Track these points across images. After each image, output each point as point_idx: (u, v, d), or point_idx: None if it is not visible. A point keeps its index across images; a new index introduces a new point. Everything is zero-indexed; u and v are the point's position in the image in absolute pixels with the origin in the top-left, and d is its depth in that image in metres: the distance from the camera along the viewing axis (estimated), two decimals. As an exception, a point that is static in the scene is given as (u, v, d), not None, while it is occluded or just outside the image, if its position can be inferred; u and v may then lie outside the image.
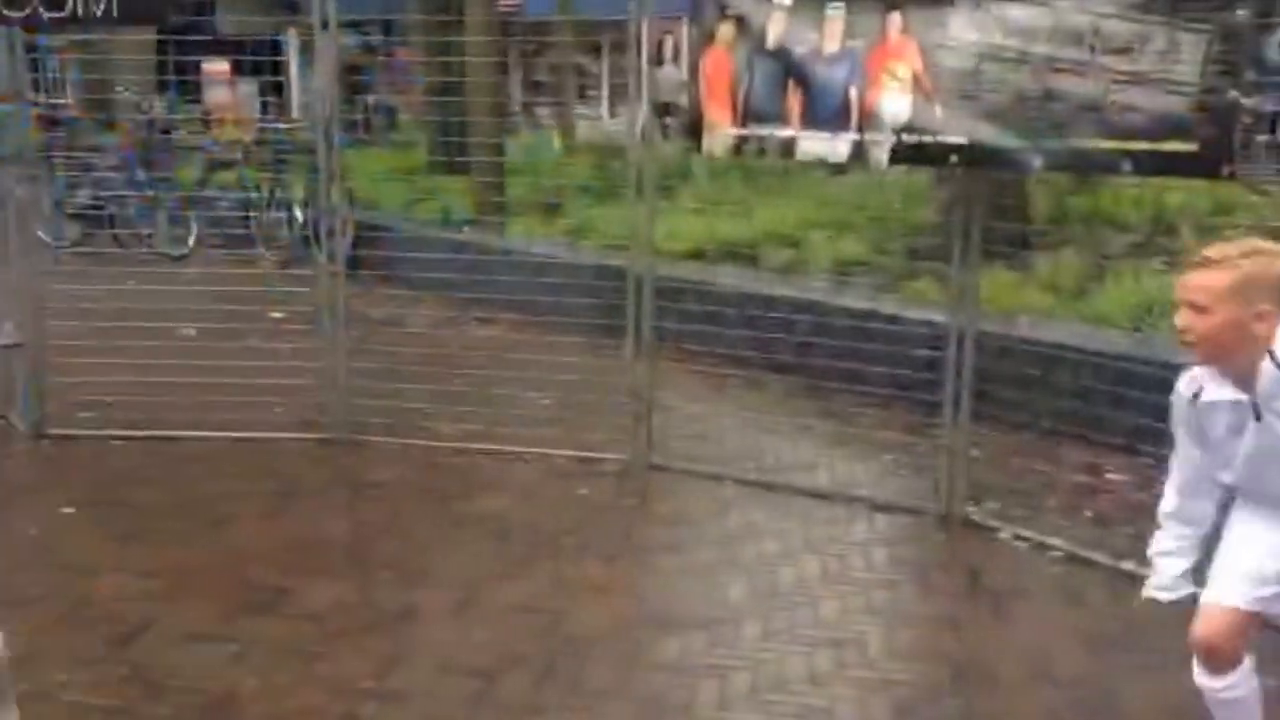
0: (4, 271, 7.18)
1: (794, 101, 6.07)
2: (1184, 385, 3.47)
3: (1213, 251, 3.28)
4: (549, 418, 7.20)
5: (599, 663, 4.49)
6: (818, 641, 4.66)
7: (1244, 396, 3.29)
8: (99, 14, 6.61)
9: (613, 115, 19.35)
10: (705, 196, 10.71)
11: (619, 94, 20.13)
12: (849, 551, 5.54)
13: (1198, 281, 3.26)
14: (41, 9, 6.57)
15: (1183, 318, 3.28)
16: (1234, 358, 3.27)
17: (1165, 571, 3.58)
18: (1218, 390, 3.35)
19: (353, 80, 14.92)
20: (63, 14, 6.59)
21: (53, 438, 7.01)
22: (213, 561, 5.36)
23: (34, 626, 4.71)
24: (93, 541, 5.58)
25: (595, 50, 19.71)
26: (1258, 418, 3.28)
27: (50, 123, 13.44)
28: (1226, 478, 3.46)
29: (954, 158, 5.44)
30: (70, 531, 5.72)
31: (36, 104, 10.20)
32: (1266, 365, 3.23)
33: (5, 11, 6.57)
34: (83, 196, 12.37)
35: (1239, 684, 3.48)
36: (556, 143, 13.39)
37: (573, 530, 5.76)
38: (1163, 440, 3.65)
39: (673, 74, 15.73)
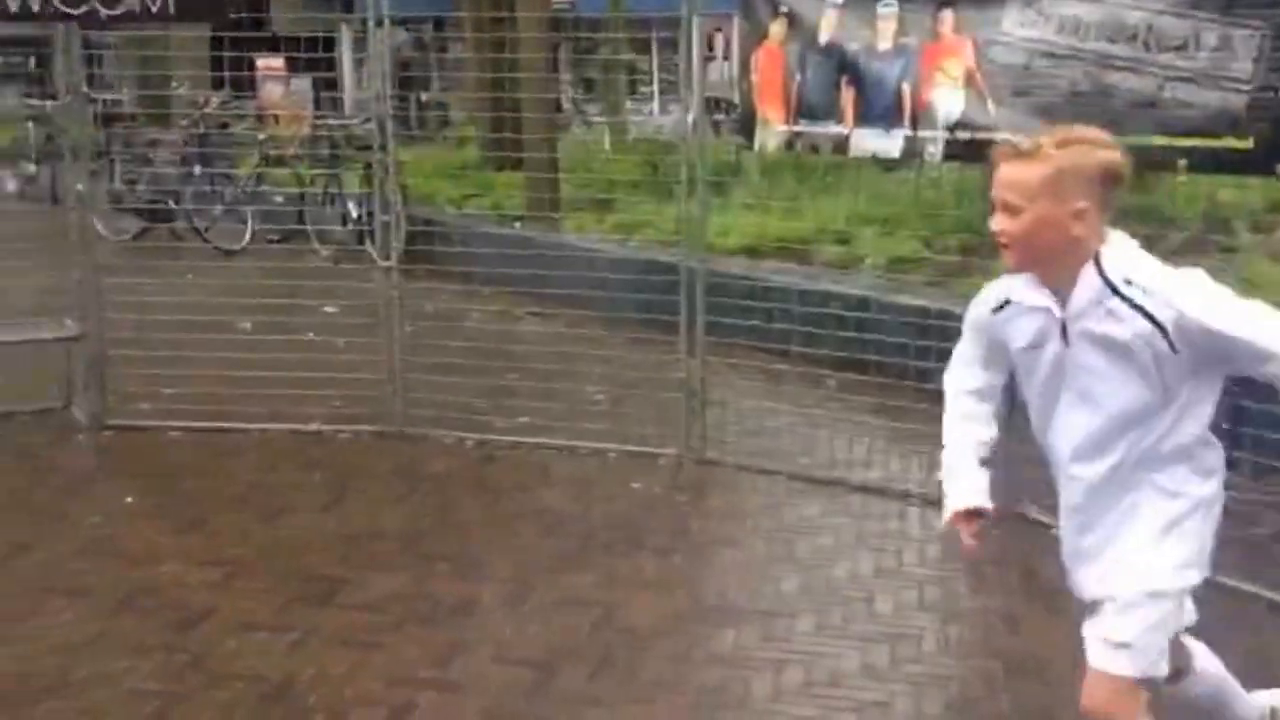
0: (65, 265, 7.31)
1: (847, 98, 6.09)
2: (990, 293, 3.09)
3: (1026, 142, 2.86)
4: (602, 412, 7.26)
5: (654, 656, 4.54)
6: (872, 636, 4.69)
7: (1057, 309, 2.89)
8: (155, 10, 6.72)
9: (663, 111, 19.38)
10: (757, 192, 10.74)
11: (669, 90, 20.17)
12: (903, 547, 5.56)
13: (1008, 177, 2.82)
14: (100, 6, 6.67)
15: (996, 220, 2.86)
16: (1051, 264, 2.85)
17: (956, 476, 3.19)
18: (1030, 295, 2.94)
19: (405, 76, 15.06)
20: (120, 11, 6.70)
21: (113, 429, 7.12)
22: (271, 552, 5.45)
23: (95, 614, 4.82)
24: (153, 531, 5.68)
25: (646, 47, 19.77)
26: (1065, 341, 2.89)
27: (108, 118, 13.62)
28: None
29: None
30: (131, 521, 5.83)
31: (93, 99, 10.34)
32: (1088, 272, 2.82)
33: (64, 8, 6.69)
34: (140, 191, 12.55)
35: (1194, 682, 3.26)
36: (607, 140, 13.45)
37: (626, 524, 5.81)
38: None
39: (723, 70, 15.76)
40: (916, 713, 4.18)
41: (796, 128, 6.28)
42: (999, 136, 5.39)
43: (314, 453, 6.77)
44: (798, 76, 6.23)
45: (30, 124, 16.94)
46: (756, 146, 6.47)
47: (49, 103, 16.42)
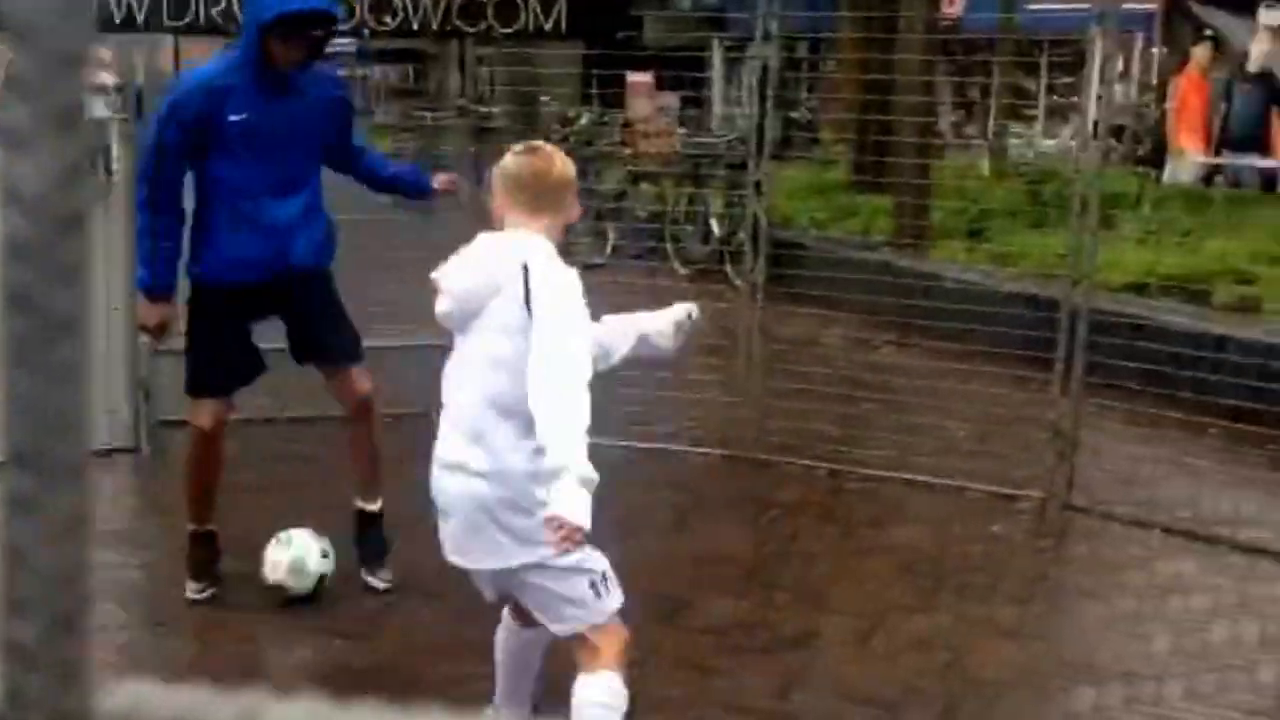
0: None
1: (1277, 131, 5.86)
2: None
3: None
4: (963, 449, 7.20)
5: (1004, 707, 4.50)
6: (1254, 709, 4.51)
7: None
8: (548, 28, 7.12)
9: (1049, 136, 18.98)
10: (1148, 225, 10.41)
11: (1055, 114, 19.73)
12: (1296, 615, 5.31)
13: None
14: (495, 23, 7.13)
15: None
16: None
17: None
18: None
19: (778, 94, 15.24)
20: (514, 28, 7.14)
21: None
22: (617, 570, 5.64)
23: (448, 617, 5.01)
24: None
25: (1032, 67, 19.42)
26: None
27: (480, 131, 14.40)
28: None
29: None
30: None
31: (467, 112, 10.98)
32: None
33: (462, 25, 7.18)
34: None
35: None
36: (986, 165, 13.30)
37: (982, 567, 5.76)
38: None
39: (1121, 94, 15.33)
40: (1297, 796, 4.00)
41: (1218, 159, 6.07)
42: None
43: (663, 473, 6.99)
44: (1223, 106, 6.02)
45: (407, 135, 18.07)
46: (1167, 177, 6.29)
47: (430, 114, 17.52)
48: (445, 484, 3.63)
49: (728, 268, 10.20)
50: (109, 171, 23.28)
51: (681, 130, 13.78)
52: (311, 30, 5.00)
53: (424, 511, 3.83)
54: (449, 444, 3.62)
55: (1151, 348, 7.29)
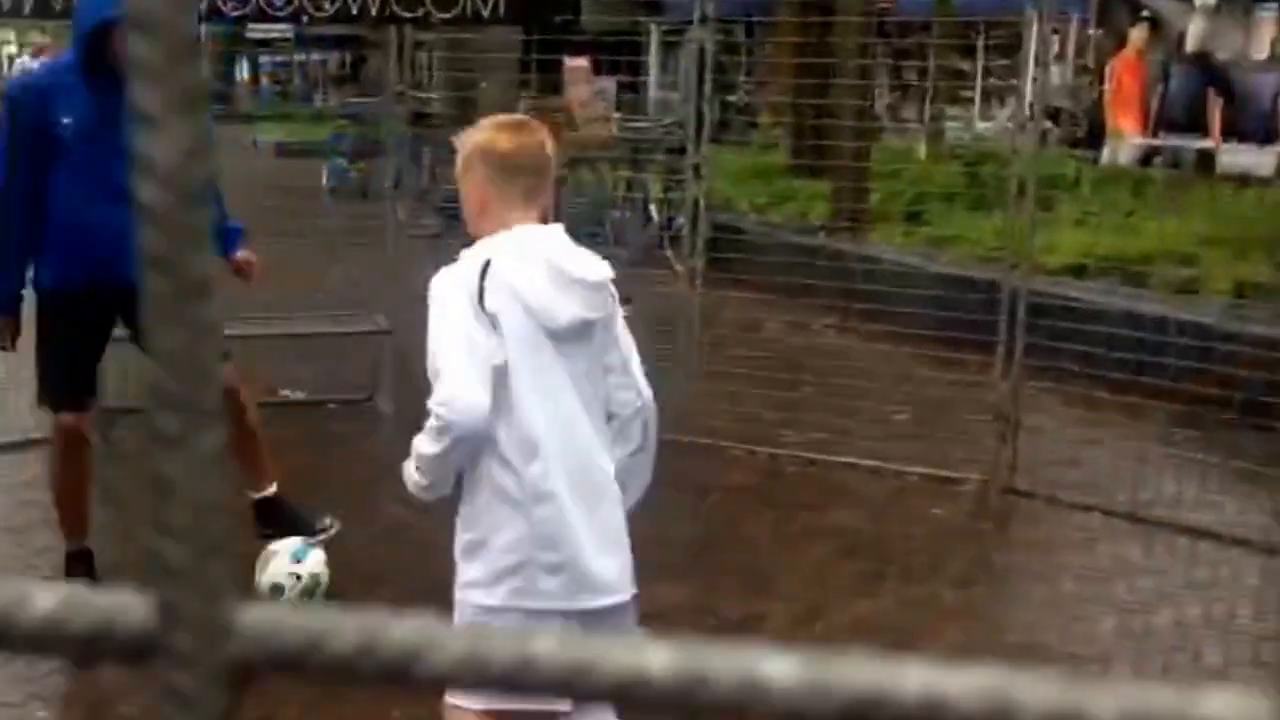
0: (374, 260, 7.67)
1: (1214, 111, 5.83)
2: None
3: None
4: (902, 433, 7.16)
5: (949, 690, 4.44)
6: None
7: None
8: (486, 14, 7.01)
9: (984, 119, 19.02)
10: (1087, 207, 10.42)
11: (991, 96, 19.77)
12: (1236, 597, 5.28)
13: None
14: (433, 9, 7.00)
15: None
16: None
17: None
18: None
19: (715, 78, 15.18)
20: (452, 14, 7.02)
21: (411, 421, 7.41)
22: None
23: (395, 602, 4.99)
24: (452, 524, 5.87)
25: (969, 50, 19.44)
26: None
27: (416, 117, 14.25)
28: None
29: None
30: (432, 512, 6.02)
31: (403, 98, 10.84)
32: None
33: (400, 12, 7.05)
34: (447, 189, 13.06)
35: None
36: (922, 148, 13.30)
37: (925, 550, 5.72)
38: None
39: (1060, 75, 15.36)
40: (1243, 777, 3.96)
41: (1156, 141, 6.05)
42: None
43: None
44: (1160, 87, 6.00)
45: (345, 122, 17.89)
46: (1105, 159, 6.27)
47: (367, 100, 17.36)
48: None
49: (668, 252, 10.12)
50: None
51: (618, 115, 13.68)
52: None
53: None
54: None
55: (1090, 330, 7.27)
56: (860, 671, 0.50)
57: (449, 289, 3.06)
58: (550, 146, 3.23)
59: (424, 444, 3.10)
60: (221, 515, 0.53)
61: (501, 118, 3.35)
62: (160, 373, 0.52)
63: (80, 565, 5.05)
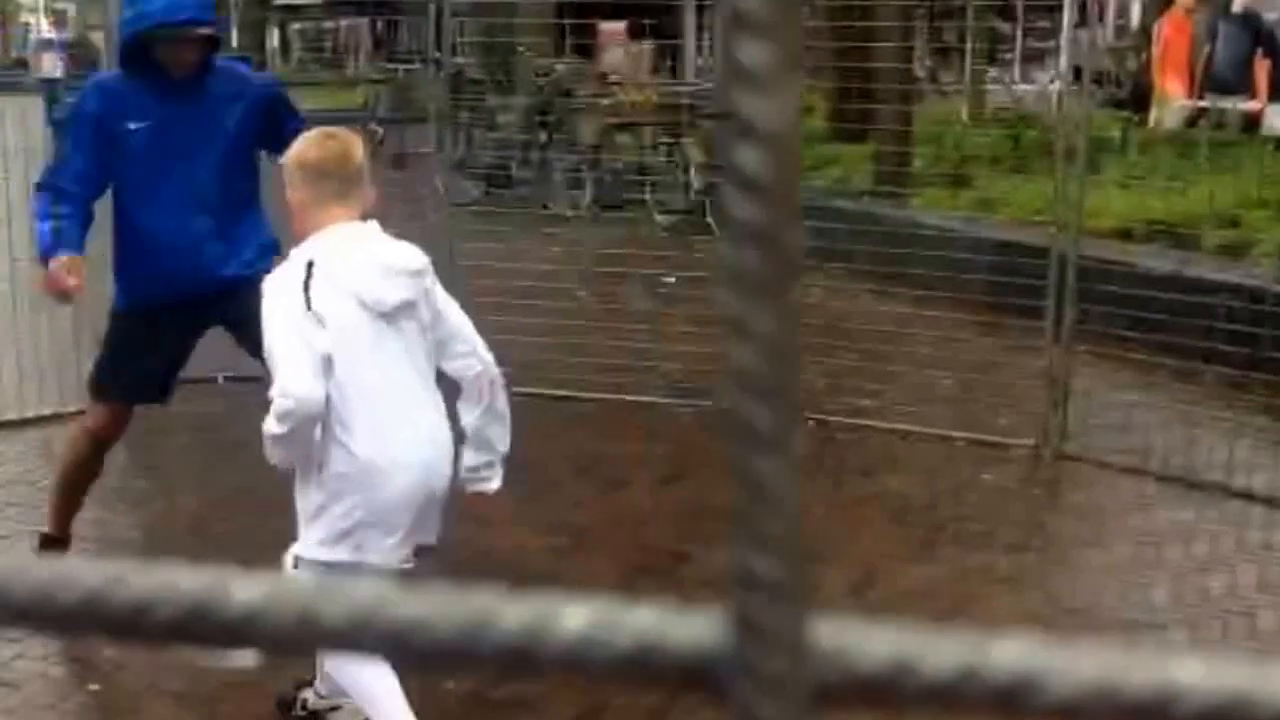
0: (411, 229, 7.66)
1: (1261, 72, 5.79)
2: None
3: None
4: (951, 398, 7.14)
5: (1007, 657, 4.45)
6: (1256, 654, 4.46)
7: None
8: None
9: (1025, 81, 18.88)
10: (1132, 170, 10.34)
11: (1031, 59, 19.59)
12: (1292, 560, 5.28)
13: None
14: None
15: None
16: None
17: None
18: None
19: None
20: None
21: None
22: (611, 522, 5.60)
23: (438, 572, 5.04)
24: (495, 495, 5.89)
25: (1009, 11, 19.27)
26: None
27: (454, 83, 14.23)
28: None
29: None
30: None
31: (440, 65, 10.84)
32: None
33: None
34: (485, 156, 13.08)
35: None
36: (964, 111, 13.21)
37: (976, 516, 5.72)
38: None
39: (1099, 36, 15.22)
40: (1305, 742, 3.96)
41: (1202, 103, 6.01)
42: None
43: (654, 426, 6.91)
44: (1206, 47, 5.94)
45: (379, 87, 17.88)
46: (1152, 121, 6.23)
47: (403, 67, 17.34)
48: None
49: (709, 218, 10.11)
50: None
51: (657, 80, 13.65)
52: (194, 31, 4.68)
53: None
54: None
55: (1138, 293, 7.23)
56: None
57: (277, 296, 3.46)
58: (359, 152, 3.69)
59: (270, 426, 3.43)
60: (801, 524, 0.49)
61: (313, 132, 3.81)
62: (751, 361, 0.47)
63: (55, 548, 4.96)
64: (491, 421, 3.79)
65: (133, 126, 4.62)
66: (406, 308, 3.57)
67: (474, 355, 3.74)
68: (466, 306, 7.40)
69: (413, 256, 3.64)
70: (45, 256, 4.63)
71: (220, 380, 7.12)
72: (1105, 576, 5.16)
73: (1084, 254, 6.59)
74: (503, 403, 3.81)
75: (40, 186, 4.77)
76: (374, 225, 3.65)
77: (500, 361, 7.36)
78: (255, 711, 4.07)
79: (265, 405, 3.41)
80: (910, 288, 8.71)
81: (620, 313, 7.34)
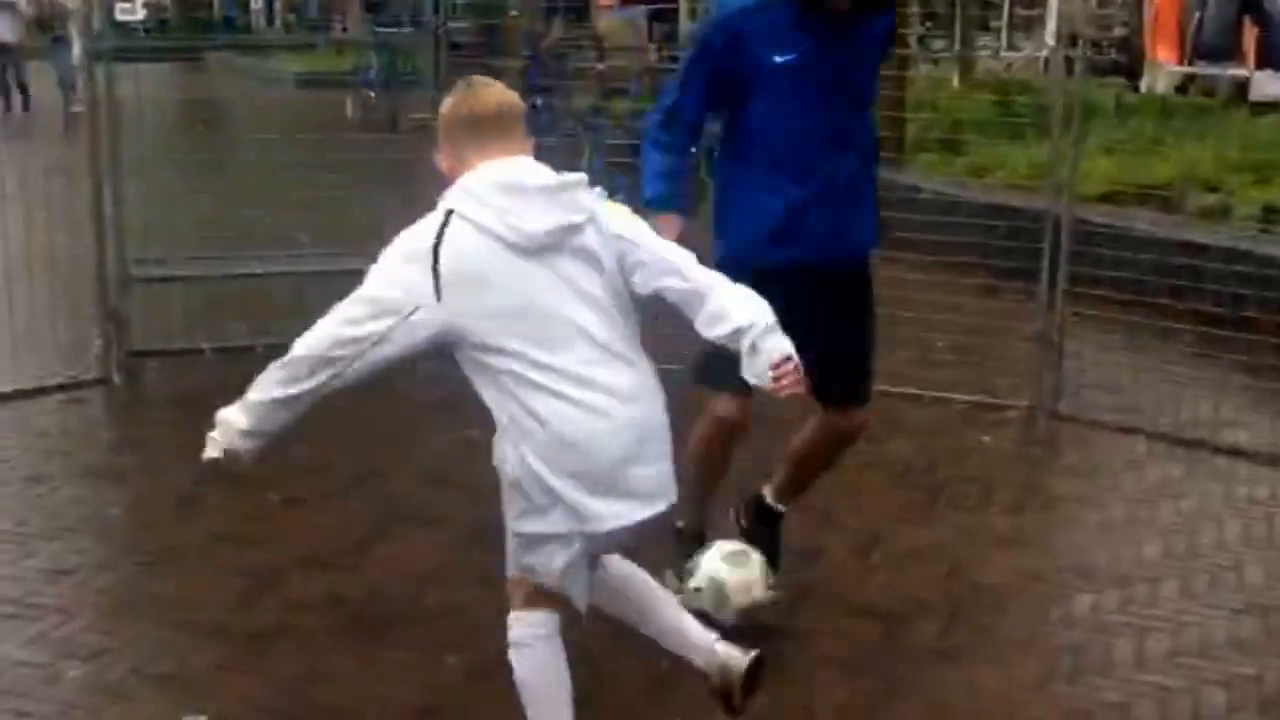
0: (410, 195, 7.69)
1: (1250, 39, 5.89)
2: None
3: None
4: (948, 361, 7.29)
5: (1008, 613, 4.62)
6: (1241, 607, 4.65)
7: None
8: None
9: (1011, 47, 18.94)
10: (1115, 135, 10.48)
11: (1020, 25, 19.63)
12: (1274, 514, 5.46)
13: None
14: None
15: None
16: None
17: None
18: None
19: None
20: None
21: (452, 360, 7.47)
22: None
23: (444, 544, 5.09)
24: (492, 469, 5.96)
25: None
26: None
27: (450, 46, 14.26)
28: None
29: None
30: (475, 454, 6.13)
31: (435, 27, 10.90)
32: None
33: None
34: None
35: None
36: (956, 77, 13.29)
37: (975, 478, 5.88)
38: None
39: (1090, 2, 15.25)
40: (1295, 690, 4.15)
41: (1192, 69, 6.13)
42: None
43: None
44: (1197, 14, 6.04)
45: (372, 52, 17.87)
46: (1145, 87, 6.36)
47: (394, 31, 17.33)
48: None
49: (706, 178, 10.19)
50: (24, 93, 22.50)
51: (652, 44, 13.71)
52: None
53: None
54: None
55: (1130, 256, 7.39)
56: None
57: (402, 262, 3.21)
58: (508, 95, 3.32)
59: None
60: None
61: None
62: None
63: (692, 541, 4.50)
64: (725, 308, 3.29)
65: (778, 60, 4.03)
66: (564, 234, 3.27)
67: (675, 274, 3.32)
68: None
69: (550, 174, 3.30)
70: (654, 203, 4.17)
71: (207, 352, 7.21)
72: (1099, 534, 5.33)
73: (1077, 218, 6.74)
74: (727, 285, 3.35)
75: (654, 143, 4.22)
76: (518, 159, 3.32)
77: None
78: (244, 693, 4.05)
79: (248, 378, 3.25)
80: (906, 251, 8.83)
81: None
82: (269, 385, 3.23)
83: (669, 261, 3.28)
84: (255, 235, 8.62)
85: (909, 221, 8.17)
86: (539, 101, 13.04)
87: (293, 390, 3.21)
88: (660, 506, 3.29)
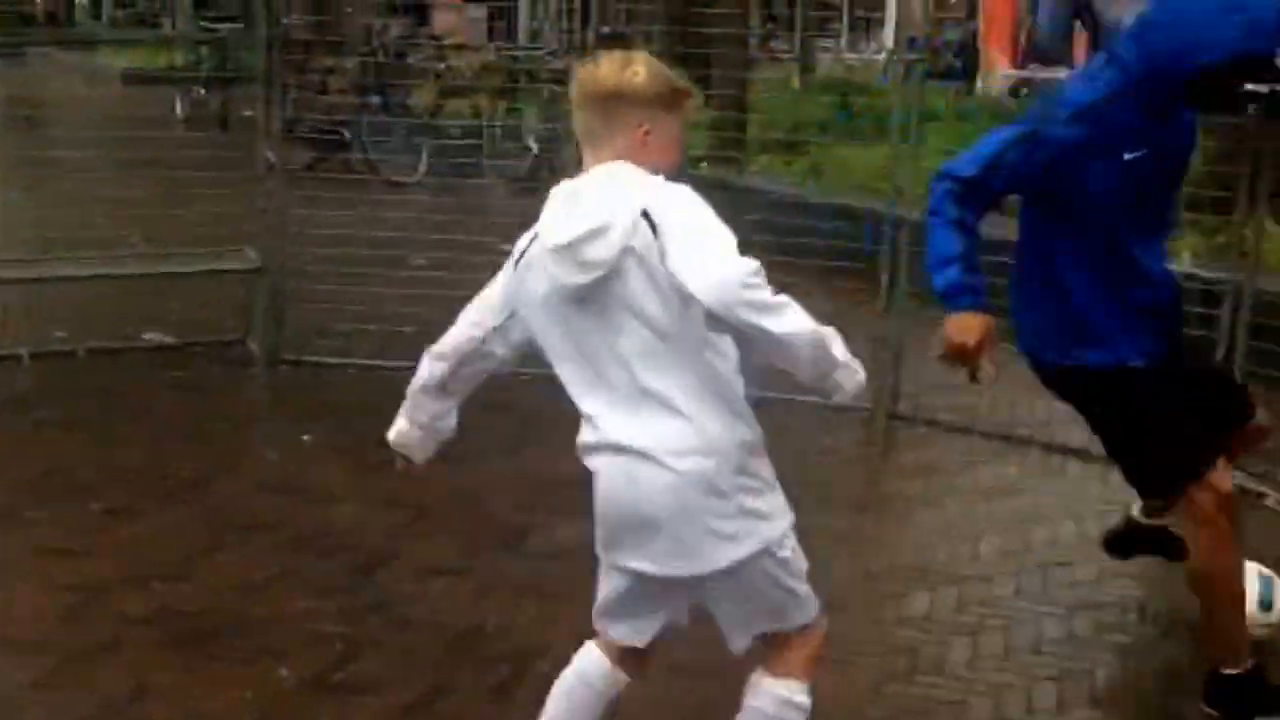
0: (237, 194, 7.51)
1: (1081, 42, 6.02)
2: None
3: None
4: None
5: (845, 616, 4.59)
6: (1074, 604, 4.74)
7: None
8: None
9: (852, 50, 19.24)
10: (955, 138, 10.65)
11: (858, 26, 19.95)
12: (1107, 512, 5.55)
13: None
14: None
15: None
16: None
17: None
18: None
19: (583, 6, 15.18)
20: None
21: (289, 363, 7.30)
22: (454, 496, 5.60)
23: (275, 552, 4.97)
24: (331, 470, 5.82)
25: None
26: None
27: (282, 44, 13.97)
28: None
29: (1252, 107, 5.34)
30: (309, 459, 6.00)
31: (264, 23, 10.66)
32: None
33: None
34: (314, 120, 12.86)
35: None
36: (795, 79, 13.43)
37: (816, 479, 5.89)
38: None
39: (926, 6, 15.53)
40: (1121, 682, 4.23)
41: (1024, 73, 6.23)
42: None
43: (495, 396, 6.88)
44: (1030, 18, 6.15)
45: (202, 48, 17.43)
46: (979, 90, 6.47)
47: (224, 26, 16.94)
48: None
49: (547, 181, 10.12)
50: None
51: (492, 44, 13.60)
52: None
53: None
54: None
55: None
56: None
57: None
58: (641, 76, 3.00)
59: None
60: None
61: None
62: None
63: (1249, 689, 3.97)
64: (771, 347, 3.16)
65: (1128, 156, 3.77)
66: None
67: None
68: (299, 276, 7.40)
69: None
70: (947, 297, 3.96)
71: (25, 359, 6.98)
72: (937, 533, 5.39)
73: (915, 219, 6.81)
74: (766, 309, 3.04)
75: (944, 222, 3.95)
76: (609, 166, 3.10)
77: (329, 334, 7.33)
78: (64, 712, 3.94)
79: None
80: (750, 251, 8.86)
81: (455, 282, 7.31)
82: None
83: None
84: (80, 237, 8.34)
85: (748, 223, 8.21)
86: (375, 100, 12.86)
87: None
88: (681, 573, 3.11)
